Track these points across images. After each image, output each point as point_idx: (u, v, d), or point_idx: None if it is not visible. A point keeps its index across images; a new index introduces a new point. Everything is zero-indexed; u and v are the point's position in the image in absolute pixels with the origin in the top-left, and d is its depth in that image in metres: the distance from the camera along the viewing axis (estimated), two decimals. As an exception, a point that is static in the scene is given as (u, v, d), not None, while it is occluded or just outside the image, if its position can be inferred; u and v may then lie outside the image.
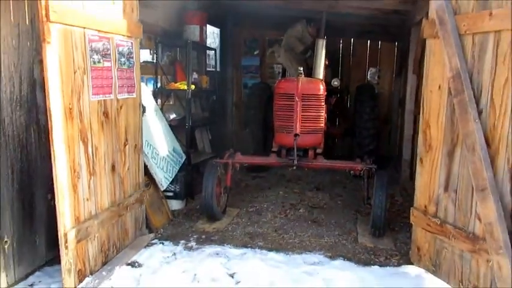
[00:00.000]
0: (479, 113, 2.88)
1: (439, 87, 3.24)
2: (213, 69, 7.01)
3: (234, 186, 5.37)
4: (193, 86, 5.21)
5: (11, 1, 2.88)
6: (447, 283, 3.24)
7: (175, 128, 5.19)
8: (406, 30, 5.94)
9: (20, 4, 2.98)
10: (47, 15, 2.59)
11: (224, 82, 7.42)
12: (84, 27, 2.96)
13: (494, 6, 2.77)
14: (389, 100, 7.54)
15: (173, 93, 5.42)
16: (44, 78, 2.90)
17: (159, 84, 5.22)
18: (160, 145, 4.60)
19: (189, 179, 5.02)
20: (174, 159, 4.81)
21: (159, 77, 5.21)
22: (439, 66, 3.21)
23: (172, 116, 5.34)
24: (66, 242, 2.87)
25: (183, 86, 5.16)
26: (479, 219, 2.86)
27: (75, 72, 2.90)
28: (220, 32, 7.45)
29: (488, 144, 2.82)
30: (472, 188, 2.90)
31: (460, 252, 3.09)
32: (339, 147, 7.41)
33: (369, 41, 7.58)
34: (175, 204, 4.87)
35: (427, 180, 3.40)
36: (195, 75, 5.56)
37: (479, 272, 2.92)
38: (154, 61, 5.18)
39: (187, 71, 5.18)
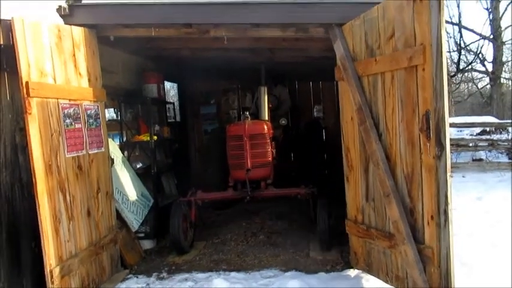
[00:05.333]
0: (380, 135, 3.67)
1: (351, 118, 4.05)
2: (173, 120, 7.69)
3: (201, 223, 5.94)
4: (155, 137, 5.86)
5: (-6, 82, 3.52)
6: (378, 278, 3.90)
7: (142, 175, 5.76)
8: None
9: (2, 82, 3.61)
10: (27, 92, 3.25)
11: (185, 130, 8.12)
12: (57, 98, 3.63)
13: (378, 54, 3.64)
14: (336, 131, 8.38)
15: (138, 144, 6.03)
16: (24, 142, 3.55)
17: (124, 138, 5.83)
18: (129, 191, 5.17)
19: (158, 220, 5.56)
20: (143, 203, 5.37)
21: (124, 131, 5.84)
22: (348, 102, 4.04)
23: (139, 165, 5.92)
24: (52, 277, 3.37)
25: (146, 137, 5.81)
26: (390, 220, 3.58)
27: (52, 135, 3.52)
28: (178, 86, 8.23)
29: (388, 159, 3.59)
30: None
31: (383, 250, 3.77)
32: (296, 179, 8.11)
33: (311, 82, 8.56)
34: (147, 244, 5.37)
35: (354, 194, 4.14)
36: (156, 127, 6.22)
37: (397, 263, 3.61)
38: (119, 118, 5.82)
39: (149, 124, 5.85)
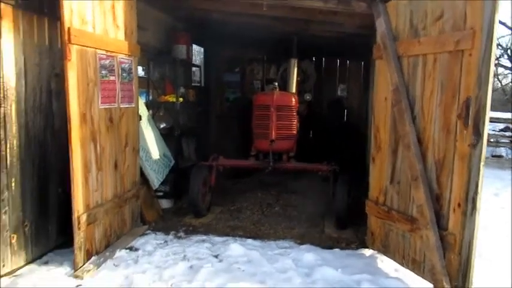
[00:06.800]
0: (413, 118, 3.63)
1: (385, 98, 3.99)
2: (198, 84, 7.68)
3: (217, 190, 6.00)
4: (181, 99, 5.86)
5: (35, 26, 3.52)
6: (393, 259, 3.93)
7: (164, 136, 5.80)
8: (369, 51, 6.75)
9: (42, 27, 3.62)
10: (69, 39, 3.25)
11: (207, 96, 8.10)
12: (95, 48, 3.63)
13: (422, 35, 3.55)
14: (359, 112, 8.32)
15: (163, 105, 6.06)
16: (58, 89, 3.59)
17: (150, 97, 5.85)
18: (152, 150, 5.22)
19: (177, 181, 5.64)
20: (164, 163, 5.43)
21: (150, 90, 5.85)
22: (384, 81, 3.97)
23: (162, 125, 5.96)
24: (79, 223, 3.46)
25: (172, 98, 5.82)
26: (415, 204, 3.58)
27: (88, 84, 3.54)
28: (204, 50, 8.17)
29: (420, 142, 3.55)
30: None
31: (403, 233, 3.79)
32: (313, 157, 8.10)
33: (338, 60, 8.43)
34: (165, 203, 5.47)
35: (378, 176, 4.13)
36: (182, 89, 6.22)
37: (416, 247, 3.62)
38: (146, 76, 5.82)
39: (176, 86, 5.85)
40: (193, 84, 7.30)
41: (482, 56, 3.01)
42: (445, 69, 3.33)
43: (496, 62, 20.23)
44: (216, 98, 8.54)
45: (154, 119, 5.75)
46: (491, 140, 9.60)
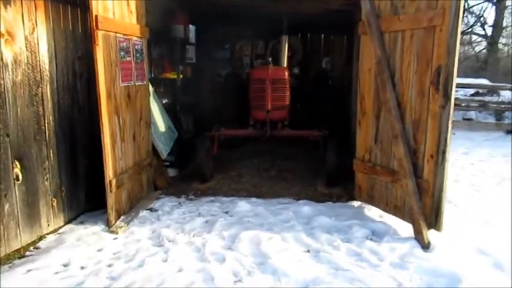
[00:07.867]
0: (394, 86, 4.24)
1: (369, 70, 4.58)
2: (192, 61, 8.10)
3: (216, 159, 6.57)
4: (181, 76, 6.33)
5: (61, 14, 3.94)
6: (378, 208, 4.62)
7: (166, 110, 6.28)
8: (352, 27, 7.30)
9: (66, 14, 4.04)
10: (96, 25, 3.69)
11: (200, 72, 8.54)
12: (116, 32, 4.07)
13: (401, 13, 4.12)
14: (342, 83, 8.90)
15: (163, 82, 6.52)
16: (81, 70, 4.08)
17: (152, 75, 6.29)
18: (159, 123, 5.72)
19: (181, 152, 6.17)
20: (170, 135, 5.95)
21: (152, 68, 6.28)
22: (368, 55, 4.55)
23: (164, 101, 6.44)
24: (110, 186, 4.00)
25: (173, 75, 6.28)
26: (396, 158, 4.24)
27: (111, 65, 4.01)
28: (196, 28, 8.53)
29: (399, 106, 4.18)
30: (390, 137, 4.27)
31: (386, 184, 4.46)
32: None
33: (322, 35, 8.95)
34: (171, 172, 6.01)
35: (364, 137, 4.76)
36: (181, 67, 6.67)
37: (397, 195, 4.31)
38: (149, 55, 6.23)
39: (175, 63, 6.30)
40: (187, 61, 7.72)
41: (450, 31, 3.61)
42: (420, 42, 3.93)
43: (470, 30, 21.08)
44: (208, 73, 8.98)
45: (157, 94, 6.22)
46: (463, 104, 10.38)
